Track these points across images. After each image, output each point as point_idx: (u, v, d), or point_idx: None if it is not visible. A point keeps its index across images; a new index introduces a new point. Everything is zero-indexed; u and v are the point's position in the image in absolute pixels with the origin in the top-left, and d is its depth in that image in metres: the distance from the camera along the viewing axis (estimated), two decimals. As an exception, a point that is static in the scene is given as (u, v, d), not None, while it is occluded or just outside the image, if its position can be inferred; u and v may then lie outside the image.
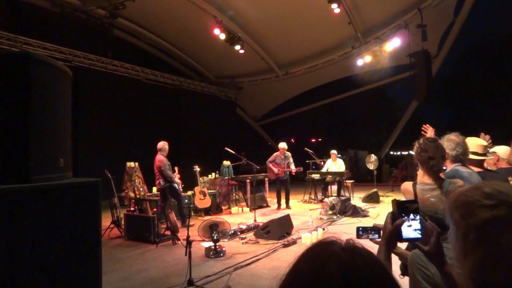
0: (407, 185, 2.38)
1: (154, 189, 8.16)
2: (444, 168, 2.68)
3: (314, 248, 0.64)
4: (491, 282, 0.83)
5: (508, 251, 0.81)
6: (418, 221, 1.19)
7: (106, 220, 6.59)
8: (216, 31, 11.91)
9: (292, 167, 9.34)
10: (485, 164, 3.39)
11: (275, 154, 9.60)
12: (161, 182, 6.99)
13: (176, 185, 7.09)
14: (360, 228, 1.77)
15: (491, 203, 0.85)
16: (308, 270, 0.59)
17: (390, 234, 1.18)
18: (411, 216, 1.19)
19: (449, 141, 2.60)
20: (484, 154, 3.05)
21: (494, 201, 0.85)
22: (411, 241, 1.21)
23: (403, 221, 1.18)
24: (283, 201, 9.59)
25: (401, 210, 1.20)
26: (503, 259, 0.82)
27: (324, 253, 0.61)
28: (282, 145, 9.57)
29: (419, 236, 1.19)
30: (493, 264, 0.82)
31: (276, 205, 9.62)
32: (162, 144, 7.13)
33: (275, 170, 9.28)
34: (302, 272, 0.60)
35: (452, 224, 0.93)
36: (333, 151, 10.91)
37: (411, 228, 1.18)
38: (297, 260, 0.64)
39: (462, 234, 0.88)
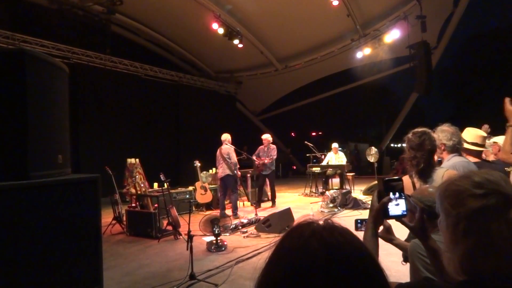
0: (405, 177, 2.41)
1: (155, 185, 8.20)
2: (439, 159, 2.68)
3: (295, 229, 0.66)
4: (481, 270, 0.84)
5: (498, 240, 0.83)
6: (404, 199, 1.21)
7: (108, 217, 6.63)
8: (215, 26, 11.85)
9: (268, 159, 8.71)
10: (483, 155, 3.39)
11: (259, 147, 9.08)
12: (225, 170, 7.56)
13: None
14: (359, 220, 1.79)
15: (481, 192, 0.85)
16: (292, 249, 0.62)
17: (377, 212, 1.21)
18: (397, 194, 1.21)
19: (443, 132, 2.59)
20: (482, 146, 3.04)
21: (483, 190, 0.86)
22: (397, 218, 1.24)
23: (390, 199, 1.21)
24: (275, 196, 9.33)
25: (388, 188, 1.22)
26: (493, 247, 0.83)
27: (306, 232, 0.63)
28: (265, 136, 9.01)
29: (405, 213, 1.22)
30: (483, 252, 0.84)
31: (270, 203, 9.20)
32: (226, 136, 7.81)
33: (256, 162, 8.89)
34: (286, 250, 0.63)
35: (442, 213, 0.94)
36: (335, 145, 10.92)
37: (398, 207, 1.21)
38: (280, 240, 0.67)
39: (453, 223, 0.89)
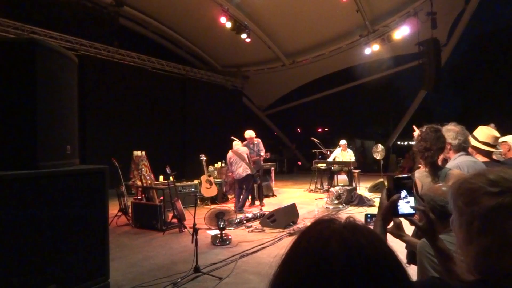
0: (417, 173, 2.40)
1: (161, 177, 8.23)
2: (444, 159, 2.66)
3: (314, 227, 0.62)
4: (496, 269, 0.83)
5: None
6: (414, 198, 1.20)
7: (113, 208, 6.68)
8: (222, 20, 11.80)
9: (262, 153, 8.39)
10: (494, 156, 3.34)
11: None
12: (246, 170, 7.65)
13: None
14: (369, 215, 1.79)
15: (496, 190, 0.84)
16: (310, 250, 0.58)
17: (386, 209, 1.19)
18: (406, 192, 1.20)
19: (449, 131, 2.56)
20: (494, 146, 2.99)
21: (499, 188, 0.84)
22: (406, 216, 1.22)
23: (399, 197, 1.19)
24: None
25: (397, 186, 1.21)
26: (509, 246, 0.81)
27: (325, 231, 0.59)
28: (249, 133, 8.42)
29: (414, 212, 1.21)
30: (498, 251, 0.82)
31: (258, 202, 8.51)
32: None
33: (261, 157, 8.43)
34: (303, 251, 0.59)
35: (455, 212, 0.92)
36: (343, 141, 10.84)
37: (408, 204, 1.19)
38: (297, 239, 0.63)
39: (467, 222, 0.87)
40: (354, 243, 0.57)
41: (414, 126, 2.81)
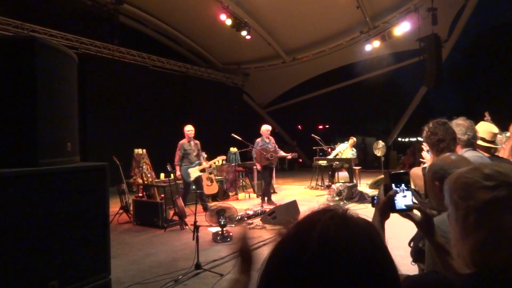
0: (417, 170, 2.35)
1: (162, 175, 8.25)
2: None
3: (308, 215, 0.64)
4: (492, 262, 0.83)
5: (509, 231, 0.82)
6: (411, 193, 1.21)
7: (115, 206, 6.70)
8: (222, 17, 11.78)
9: (282, 152, 8.26)
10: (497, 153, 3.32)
11: (258, 139, 8.22)
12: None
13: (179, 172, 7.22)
14: (375, 198, 1.79)
15: (491, 184, 0.85)
16: (292, 236, 0.61)
17: (384, 204, 1.20)
18: (403, 187, 1.20)
19: (458, 126, 2.54)
20: (492, 142, 2.99)
21: (494, 182, 0.85)
22: (403, 211, 1.23)
23: (396, 192, 1.20)
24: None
25: (394, 181, 1.21)
26: (504, 239, 0.82)
27: (314, 222, 0.61)
28: (266, 127, 8.20)
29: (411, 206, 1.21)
30: (494, 244, 0.83)
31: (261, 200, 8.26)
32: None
33: (267, 155, 7.93)
34: (287, 237, 0.62)
35: (451, 206, 0.93)
36: (354, 138, 10.82)
37: (405, 199, 1.20)
38: (291, 227, 0.64)
39: (462, 216, 0.88)
40: (334, 234, 0.57)
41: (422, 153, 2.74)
